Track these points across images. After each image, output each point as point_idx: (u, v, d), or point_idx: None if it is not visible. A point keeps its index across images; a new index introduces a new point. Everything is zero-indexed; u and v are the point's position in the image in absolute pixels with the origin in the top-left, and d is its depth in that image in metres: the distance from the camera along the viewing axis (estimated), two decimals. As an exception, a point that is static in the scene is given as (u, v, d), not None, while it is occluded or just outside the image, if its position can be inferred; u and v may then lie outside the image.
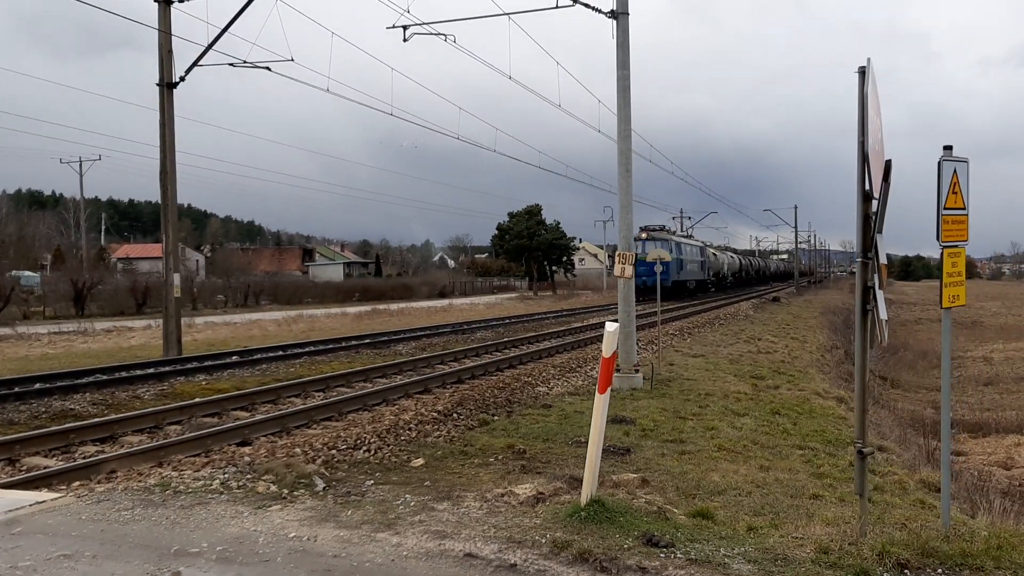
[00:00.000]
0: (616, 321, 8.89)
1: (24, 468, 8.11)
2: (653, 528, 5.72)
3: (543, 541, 5.37)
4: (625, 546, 5.33)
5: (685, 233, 63.96)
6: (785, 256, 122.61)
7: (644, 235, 47.33)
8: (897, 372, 27.11)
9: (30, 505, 6.19)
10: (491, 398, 12.38)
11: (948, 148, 5.68)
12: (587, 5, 15.38)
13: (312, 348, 19.75)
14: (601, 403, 6.01)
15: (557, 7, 15.87)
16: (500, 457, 8.50)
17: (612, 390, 6.36)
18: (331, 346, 20.30)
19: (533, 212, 77.40)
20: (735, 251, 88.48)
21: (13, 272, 40.75)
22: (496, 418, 10.92)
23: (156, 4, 19.12)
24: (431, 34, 17.48)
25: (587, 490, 6.03)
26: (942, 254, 5.80)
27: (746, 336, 25.98)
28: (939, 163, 5.66)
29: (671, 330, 26.01)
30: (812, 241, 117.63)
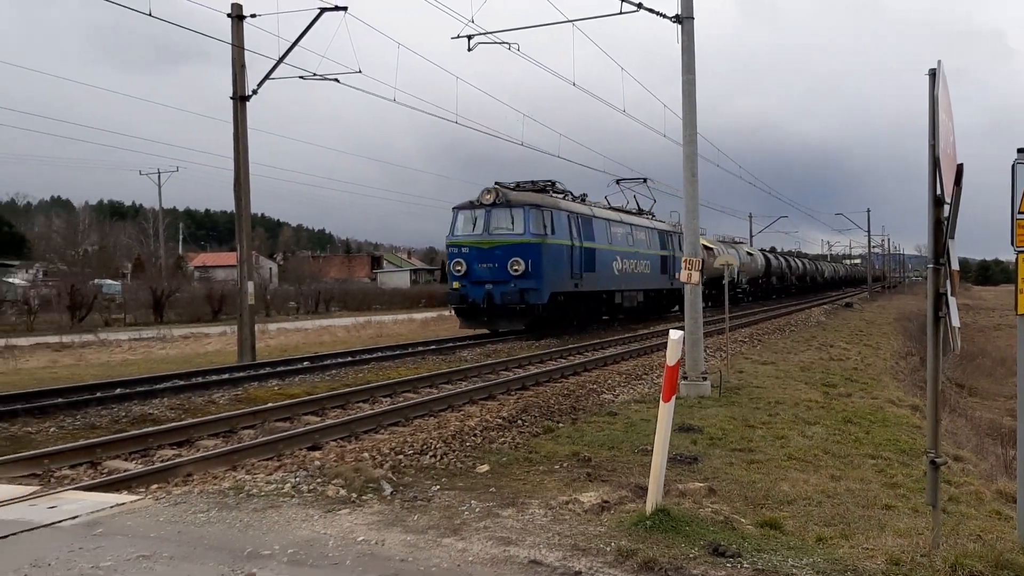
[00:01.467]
0: (681, 328, 8.83)
1: (105, 471, 8.40)
2: (720, 538, 5.68)
3: (608, 549, 5.37)
4: (691, 556, 5.30)
5: (611, 206, 33.63)
6: (858, 261, 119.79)
7: (489, 196, 24.97)
8: (975, 379, 26.31)
9: (111, 507, 6.43)
10: (555, 405, 12.39)
11: (1022, 151, 5.53)
12: (651, 10, 15.33)
13: (380, 354, 20.02)
14: (666, 411, 5.98)
15: (621, 13, 15.85)
16: (565, 464, 8.50)
17: (679, 398, 6.34)
18: (398, 352, 20.55)
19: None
20: (787, 254, 76.52)
21: (95, 280, 42.22)
22: (561, 425, 10.92)
23: (230, 20, 19.64)
24: (495, 43, 17.63)
25: (652, 499, 6.02)
26: (1017, 260, 5.64)
27: (818, 343, 25.50)
28: (1013, 166, 5.51)
29: (740, 337, 25.67)
30: (886, 245, 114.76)
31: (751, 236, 77.61)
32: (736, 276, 48.41)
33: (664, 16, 15.07)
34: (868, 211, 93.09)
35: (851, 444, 10.54)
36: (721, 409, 12.38)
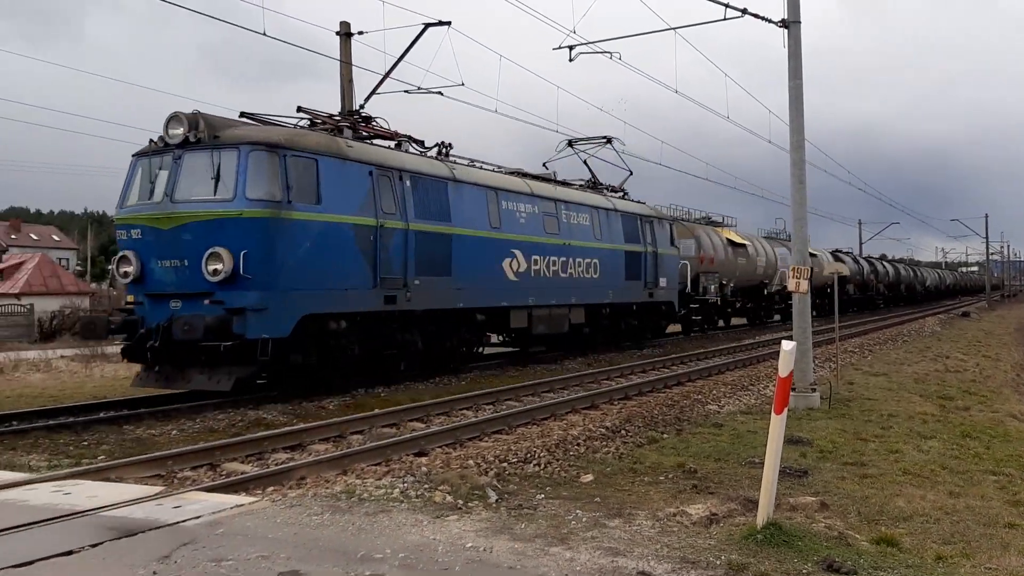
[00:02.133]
0: (791, 339, 8.65)
1: (224, 473, 8.74)
2: (834, 554, 5.54)
3: (718, 562, 5.31)
4: (804, 571, 5.19)
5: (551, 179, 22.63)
6: (975, 268, 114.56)
7: (180, 130, 13.31)
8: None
9: (231, 508, 6.69)
10: (659, 415, 12.29)
11: None
12: (756, 15, 15.07)
13: (483, 363, 20.20)
14: (778, 424, 5.88)
15: (725, 19, 15.63)
16: (670, 476, 8.43)
17: (787, 410, 6.21)
18: (499, 360, 20.69)
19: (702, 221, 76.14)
20: (897, 261, 70.33)
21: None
22: (665, 436, 10.83)
23: (338, 37, 20.23)
24: (597, 52, 17.63)
25: (763, 512, 5.91)
26: None
27: (933, 353, 24.53)
28: None
29: (849, 347, 24.91)
30: (1005, 252, 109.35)
31: (860, 243, 75.13)
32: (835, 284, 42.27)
33: (770, 21, 14.80)
34: (986, 216, 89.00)
35: (970, 460, 10.12)
36: (831, 421, 12.06)
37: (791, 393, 13.07)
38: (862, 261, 57.32)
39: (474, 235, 17.40)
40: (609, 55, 17.43)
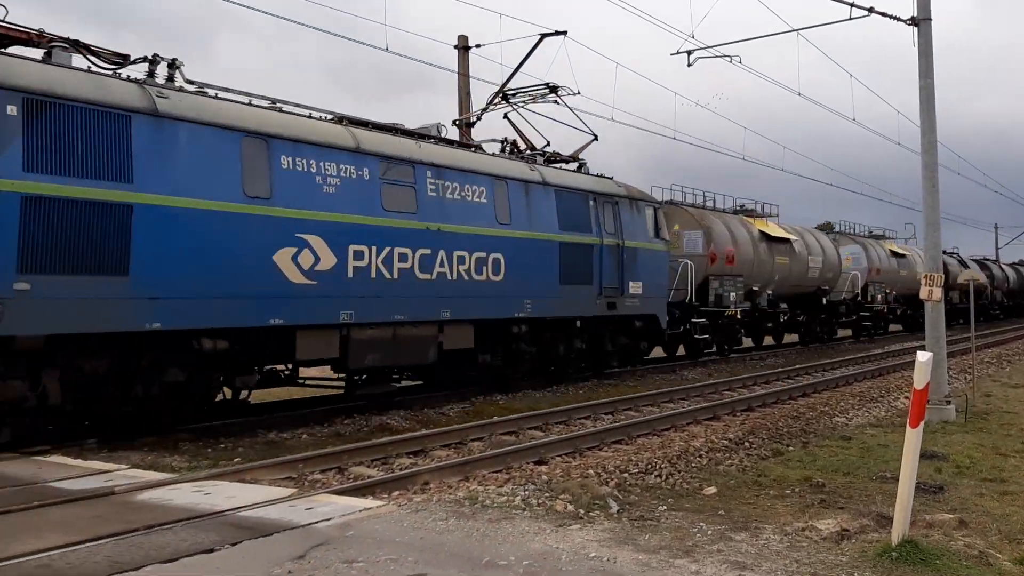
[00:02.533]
0: (925, 349, 8.30)
1: (351, 476, 9.01)
2: (974, 573, 5.29)
3: (850, 580, 5.15)
4: (943, 592, 4.97)
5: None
6: None
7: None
8: None
9: (359, 511, 6.89)
10: (784, 427, 11.97)
11: None
12: (884, 14, 14.56)
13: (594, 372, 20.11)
14: (913, 438, 5.66)
15: (851, 19, 15.16)
16: (797, 489, 8.22)
17: (923, 423, 5.97)
18: (617, 369, 20.58)
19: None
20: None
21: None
22: (791, 448, 10.55)
23: (456, 51, 20.61)
24: (715, 56, 17.37)
25: (898, 529, 5.70)
26: None
27: (1080, 365, 23.02)
28: None
29: (986, 358, 23.66)
30: None
31: (996, 248, 71.20)
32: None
33: (898, 19, 14.28)
34: None
35: None
36: (967, 435, 11.50)
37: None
38: (992, 266, 53.46)
39: (200, 208, 10.65)
40: (729, 58, 17.16)
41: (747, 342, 28.21)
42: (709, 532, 6.40)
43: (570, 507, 7.09)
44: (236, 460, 9.68)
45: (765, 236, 26.65)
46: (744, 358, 25.31)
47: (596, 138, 18.98)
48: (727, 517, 7.00)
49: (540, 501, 7.26)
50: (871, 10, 14.54)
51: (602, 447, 10.77)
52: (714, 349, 24.70)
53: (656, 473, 8.79)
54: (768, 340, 30.28)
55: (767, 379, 18.75)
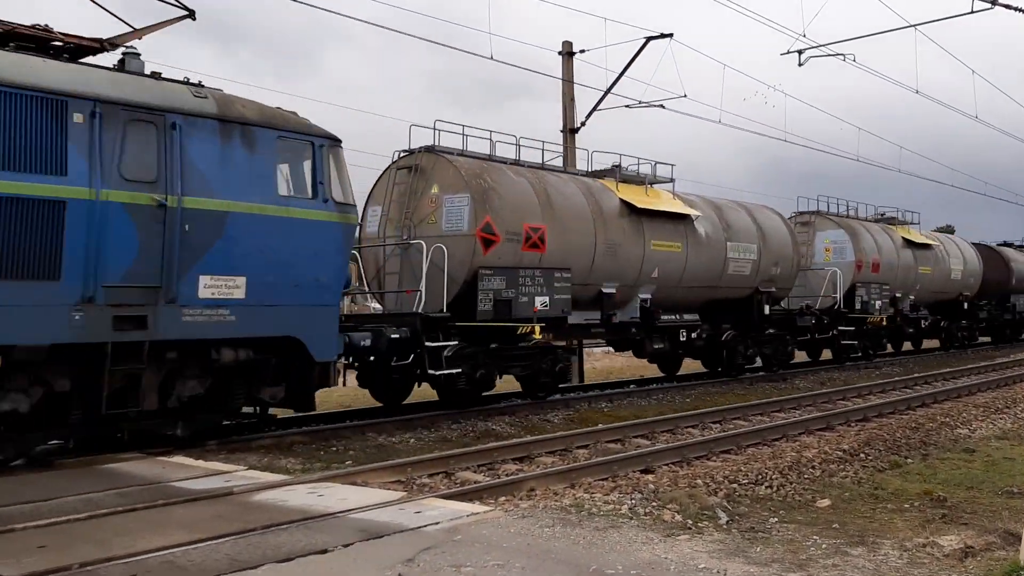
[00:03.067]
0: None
1: (458, 481, 9.11)
2: (1115, 600, 4.97)
3: (976, 600, 4.91)
4: (1080, 617, 4.69)
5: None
6: None
7: None
8: None
9: (466, 516, 6.96)
10: (902, 438, 11.52)
11: None
12: (1008, 6, 13.89)
13: (705, 380, 19.79)
14: (1044, 452, 5.35)
15: (972, 12, 14.51)
16: (916, 504, 7.90)
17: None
18: (724, 378, 20.19)
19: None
20: None
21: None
22: (909, 461, 10.15)
23: (560, 56, 20.65)
24: (828, 55, 16.90)
25: (1028, 548, 5.40)
26: None
27: None
28: None
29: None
30: None
31: None
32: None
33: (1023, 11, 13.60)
34: None
35: None
36: (1106, 451, 10.82)
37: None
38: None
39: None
40: (842, 57, 16.66)
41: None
42: (823, 546, 6.21)
43: (678, 517, 6.99)
44: (347, 463, 9.92)
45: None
46: (882, 362, 25.40)
47: (190, 14, 10.62)
48: (842, 531, 6.78)
49: (647, 510, 7.19)
50: (995, 2, 13.90)
51: (710, 457, 10.58)
52: (859, 355, 24.63)
53: (766, 484, 8.58)
54: (907, 346, 29.98)
55: (883, 388, 18.06)
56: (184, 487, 8.03)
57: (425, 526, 6.57)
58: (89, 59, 10.04)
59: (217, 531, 6.33)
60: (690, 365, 20.95)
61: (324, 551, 5.89)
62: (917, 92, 18.74)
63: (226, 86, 10.74)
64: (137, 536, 6.23)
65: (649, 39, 19.64)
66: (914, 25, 15.57)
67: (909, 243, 26.60)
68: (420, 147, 14.52)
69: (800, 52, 16.61)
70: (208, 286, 9.90)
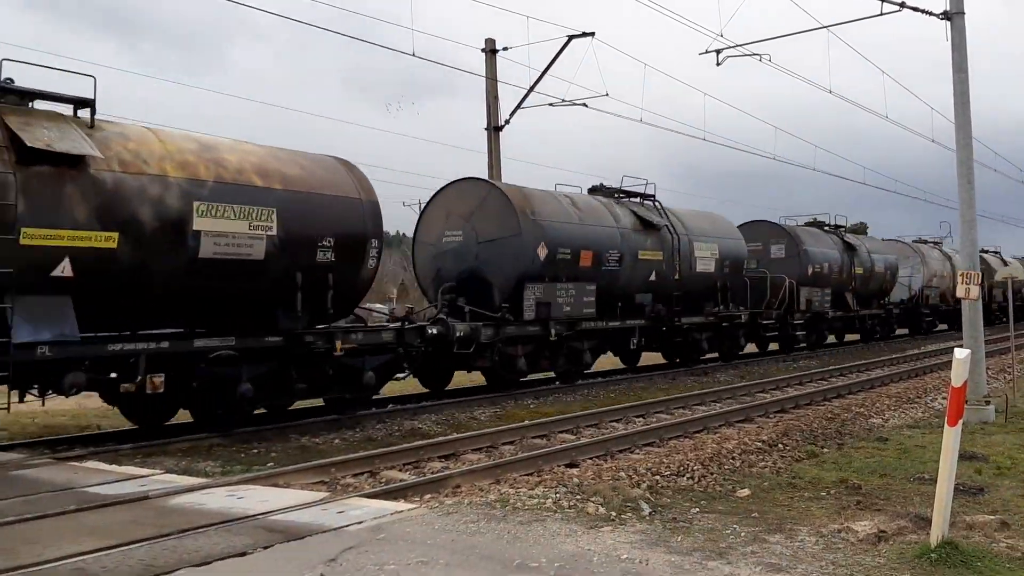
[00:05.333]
0: (962, 347, 8.16)
1: (383, 480, 9.02)
2: (1017, 577, 5.17)
3: (888, 582, 5.05)
4: (985, 594, 4.87)
5: None
6: None
7: None
8: None
9: (391, 514, 6.89)
10: (819, 429, 11.82)
11: None
12: (916, 9, 14.36)
13: (630, 375, 20.04)
14: (951, 436, 5.56)
15: (882, 14, 14.97)
16: (832, 491, 8.10)
17: (961, 422, 5.85)
18: (649, 373, 20.47)
19: (858, 232, 73.17)
20: None
21: (367, 305, 45.42)
22: (825, 450, 10.43)
23: (483, 54, 20.64)
24: (745, 55, 17.25)
25: (937, 530, 5.59)
26: None
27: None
28: None
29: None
30: None
31: (1035, 247, 69.87)
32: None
33: (930, 14, 14.08)
34: None
35: None
36: (1008, 436, 11.27)
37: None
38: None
39: None
40: (758, 57, 17.03)
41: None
42: (743, 534, 6.32)
43: (601, 509, 7.04)
44: (269, 465, 9.74)
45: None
46: (800, 356, 26.60)
47: None
48: (761, 519, 6.91)
49: (571, 503, 7.22)
50: (903, 5, 14.36)
51: (633, 450, 10.70)
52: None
53: (688, 475, 8.70)
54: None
55: (800, 380, 18.53)
56: (97, 492, 7.76)
57: (348, 525, 6.48)
58: None
59: (131, 536, 6.14)
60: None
61: (243, 554, 5.76)
62: (830, 92, 19.23)
63: (130, 80, 10.64)
64: (46, 544, 6.00)
65: (571, 37, 19.78)
66: (826, 26, 16.01)
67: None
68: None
69: (718, 52, 16.91)
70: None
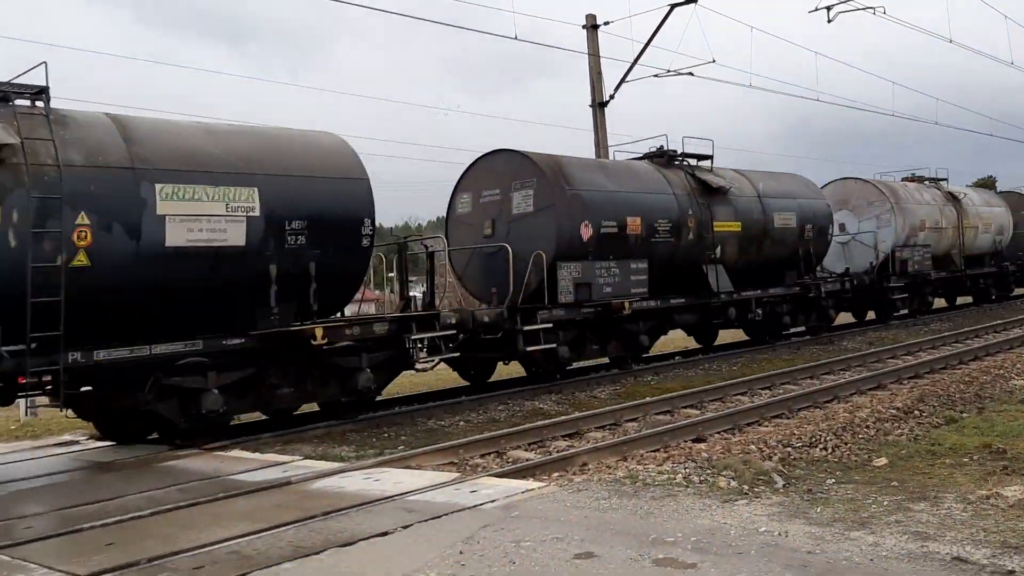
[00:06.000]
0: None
1: (510, 460, 9.14)
2: None
3: (1046, 548, 4.83)
4: None
5: None
6: None
7: None
8: None
9: (521, 492, 7.00)
10: (956, 393, 11.35)
11: None
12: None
13: (749, 348, 19.62)
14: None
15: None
16: (975, 457, 7.78)
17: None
18: (770, 343, 20.01)
19: (987, 185, 69.46)
20: None
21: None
22: (965, 415, 10.00)
23: (584, 30, 20.49)
24: (858, 9, 16.58)
25: (1097, 494, 5.30)
26: None
27: None
28: None
29: None
30: None
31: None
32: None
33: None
34: None
35: None
36: None
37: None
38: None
39: None
40: (872, 10, 16.34)
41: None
42: (885, 503, 6.15)
43: (734, 483, 6.96)
44: (400, 448, 10.01)
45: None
46: (931, 319, 25.03)
47: None
48: (901, 488, 6.70)
49: (702, 478, 7.17)
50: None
51: (762, 422, 10.50)
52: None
53: (821, 446, 8.51)
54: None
55: (933, 344, 17.79)
56: (243, 479, 8.16)
57: (481, 504, 6.61)
58: None
59: (279, 520, 6.44)
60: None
61: (385, 533, 5.96)
62: (951, 41, 18.30)
63: (239, 83, 10.80)
64: (201, 529, 6.36)
65: (674, 6, 19.43)
66: (946, -28, 15.24)
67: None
68: None
69: (828, 8, 16.31)
70: None
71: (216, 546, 5.91)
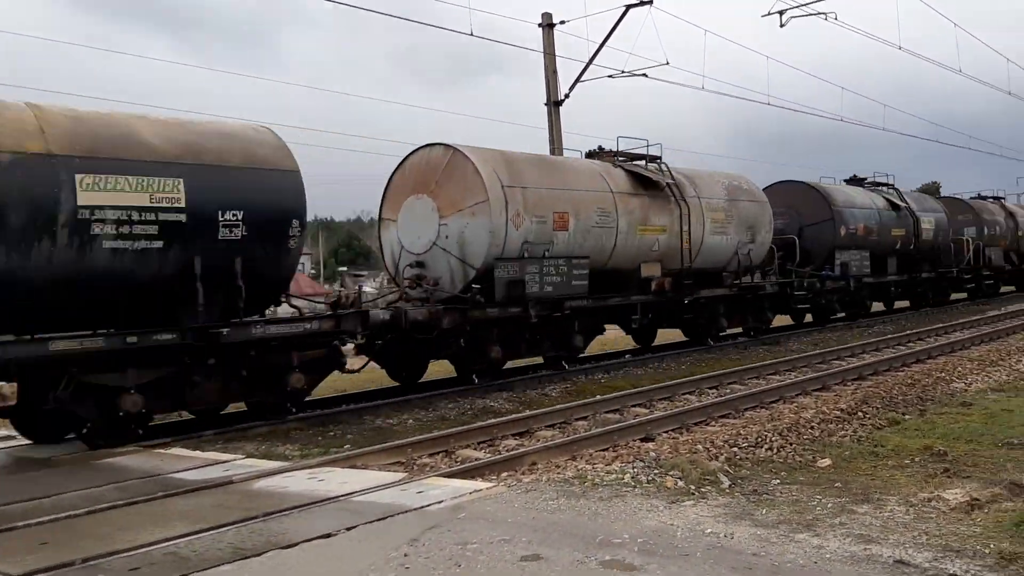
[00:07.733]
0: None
1: (459, 459, 9.06)
2: (1124, 544, 4.97)
3: (986, 551, 4.91)
4: (1090, 563, 4.69)
5: None
6: None
7: None
8: None
9: (469, 493, 6.94)
10: (899, 395, 11.53)
11: None
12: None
13: (696, 347, 19.75)
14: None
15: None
16: (917, 459, 7.90)
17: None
18: (720, 343, 20.18)
19: (931, 192, 71.09)
20: None
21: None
22: (907, 417, 10.16)
23: (540, 29, 20.47)
24: (810, 15, 16.79)
25: (1035, 497, 5.40)
26: None
27: None
28: None
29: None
30: None
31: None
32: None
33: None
34: None
35: None
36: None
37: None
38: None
39: None
40: (824, 16, 16.55)
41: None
42: (829, 505, 6.20)
43: (681, 483, 6.98)
44: (346, 447, 9.87)
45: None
46: (874, 321, 24.94)
47: None
48: (845, 489, 6.77)
49: (650, 478, 7.17)
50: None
51: (709, 422, 10.57)
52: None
53: (767, 446, 8.57)
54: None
55: (876, 347, 18.10)
56: (183, 478, 7.97)
57: (428, 505, 6.53)
58: None
59: (219, 520, 6.28)
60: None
61: (328, 535, 5.85)
62: (900, 48, 18.63)
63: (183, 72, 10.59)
64: (139, 529, 6.18)
65: (629, 7, 19.50)
66: (895, -20, 15.48)
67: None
68: None
69: (781, 13, 16.50)
70: None
71: (154, 547, 5.75)
